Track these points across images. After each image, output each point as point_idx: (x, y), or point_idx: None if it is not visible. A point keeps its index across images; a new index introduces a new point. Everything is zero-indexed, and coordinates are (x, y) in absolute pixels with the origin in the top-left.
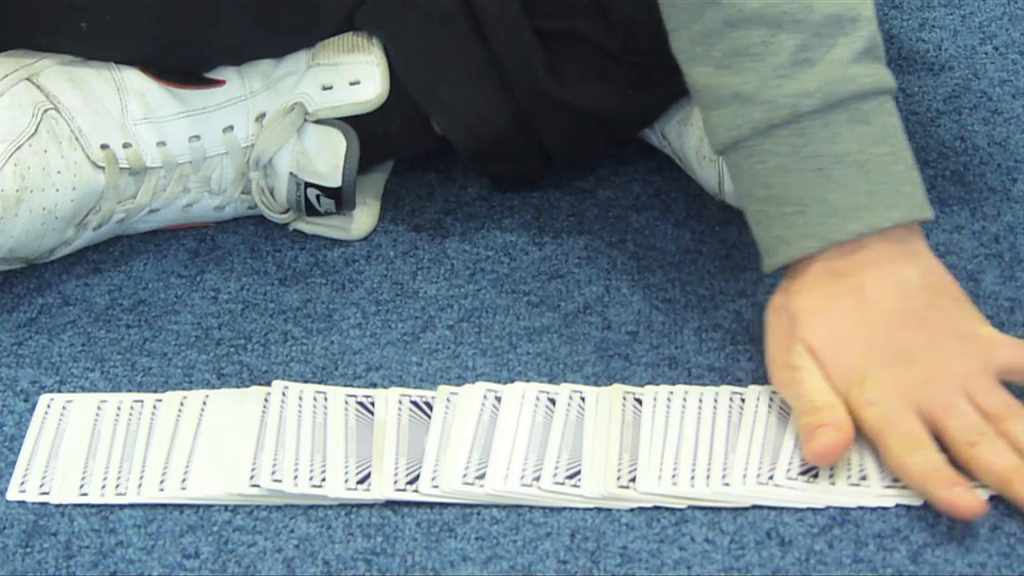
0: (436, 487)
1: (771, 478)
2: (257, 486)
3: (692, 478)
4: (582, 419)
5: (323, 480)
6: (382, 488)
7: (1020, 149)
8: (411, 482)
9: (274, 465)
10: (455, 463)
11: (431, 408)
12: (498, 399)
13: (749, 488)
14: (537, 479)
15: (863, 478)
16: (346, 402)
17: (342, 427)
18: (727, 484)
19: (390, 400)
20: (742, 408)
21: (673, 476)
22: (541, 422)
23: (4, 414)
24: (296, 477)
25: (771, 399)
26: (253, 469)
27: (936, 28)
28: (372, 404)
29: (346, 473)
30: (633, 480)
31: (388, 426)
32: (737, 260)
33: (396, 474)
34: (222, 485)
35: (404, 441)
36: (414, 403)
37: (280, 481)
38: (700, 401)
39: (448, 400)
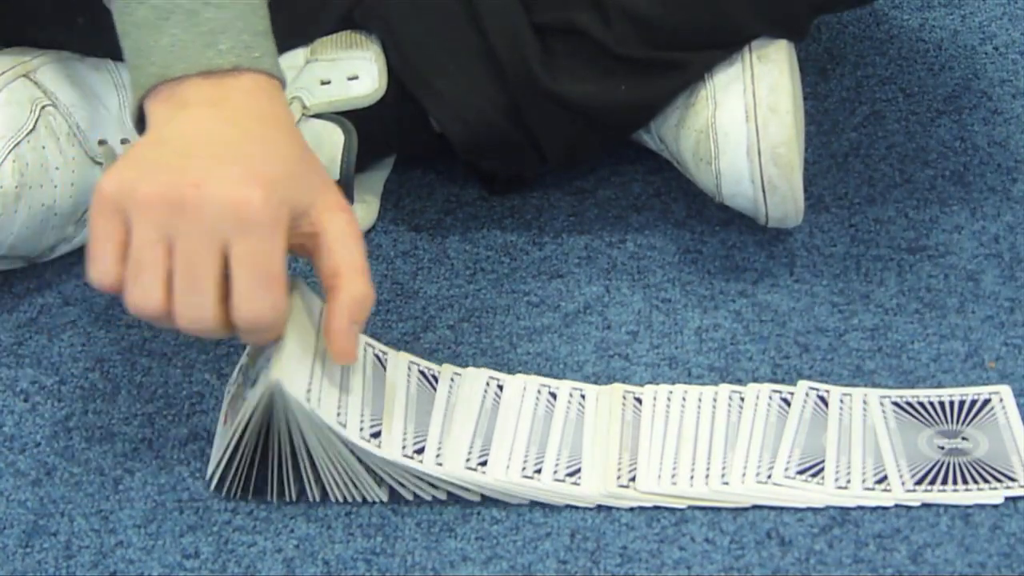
0: (440, 464)
1: (769, 477)
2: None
3: (691, 477)
4: (582, 417)
5: (345, 423)
6: (391, 449)
7: (1020, 149)
8: (418, 451)
9: (308, 391)
10: (459, 446)
11: (437, 381)
12: (500, 387)
13: (748, 487)
14: (538, 472)
15: (849, 482)
16: (364, 350)
17: (360, 373)
18: (726, 483)
19: (399, 364)
20: (741, 407)
21: (673, 476)
22: (542, 416)
23: (4, 414)
24: (320, 405)
25: (770, 397)
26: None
27: (936, 28)
28: (385, 360)
29: (362, 422)
30: (633, 479)
31: (398, 389)
32: (737, 260)
33: (404, 439)
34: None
35: (412, 409)
36: (422, 373)
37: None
38: (699, 400)
39: (452, 380)
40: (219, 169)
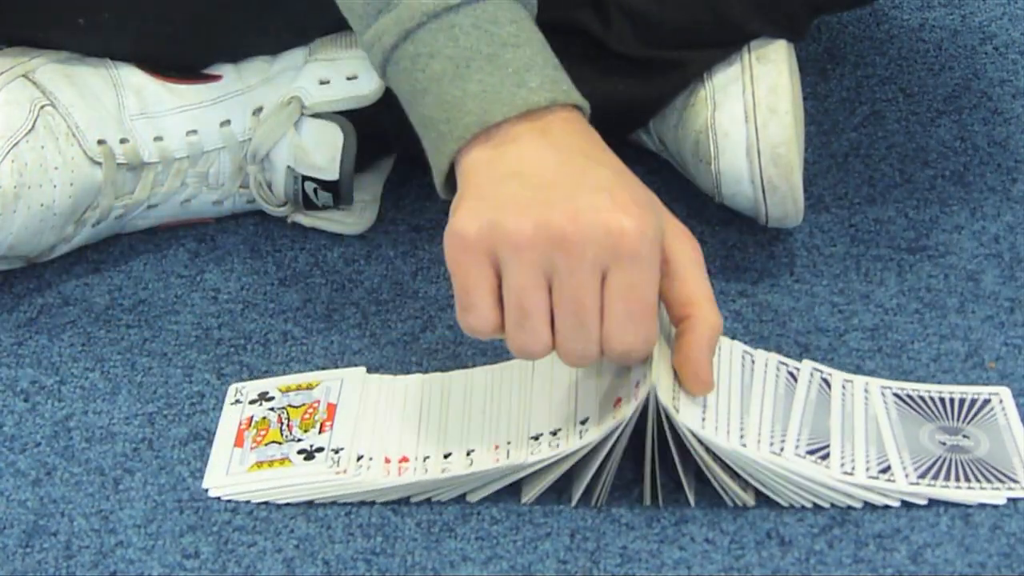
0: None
1: (782, 450)
2: None
3: (716, 429)
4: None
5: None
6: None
7: (1020, 149)
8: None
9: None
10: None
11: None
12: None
13: (764, 455)
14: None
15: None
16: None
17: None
18: (744, 444)
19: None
20: (752, 369)
21: (703, 417)
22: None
23: (4, 414)
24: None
25: (778, 369)
26: None
27: (936, 28)
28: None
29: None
30: (678, 409)
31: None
32: (737, 260)
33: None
34: None
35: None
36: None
37: None
38: (719, 348)
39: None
40: (587, 198)
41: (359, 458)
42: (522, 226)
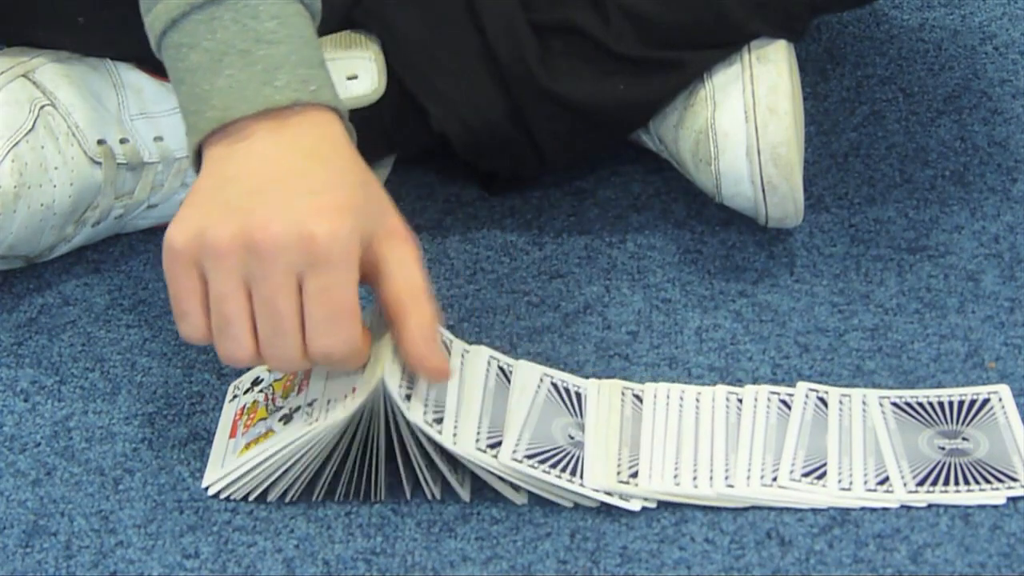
0: (455, 444)
1: (775, 479)
2: None
3: (695, 478)
4: (584, 411)
5: (433, 421)
6: (414, 414)
7: (1020, 149)
8: (438, 420)
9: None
10: (469, 426)
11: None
12: (501, 369)
13: (753, 490)
14: (541, 463)
15: (862, 482)
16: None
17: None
18: (731, 486)
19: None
20: (740, 408)
21: (675, 475)
22: (542, 402)
23: (4, 414)
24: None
25: (768, 399)
26: None
27: (936, 28)
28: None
29: (400, 382)
30: (634, 475)
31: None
32: (737, 260)
33: (426, 407)
34: None
35: (489, 402)
36: (443, 342)
37: None
38: (698, 400)
39: (462, 356)
40: (287, 204)
41: (328, 402)
42: (221, 235)
